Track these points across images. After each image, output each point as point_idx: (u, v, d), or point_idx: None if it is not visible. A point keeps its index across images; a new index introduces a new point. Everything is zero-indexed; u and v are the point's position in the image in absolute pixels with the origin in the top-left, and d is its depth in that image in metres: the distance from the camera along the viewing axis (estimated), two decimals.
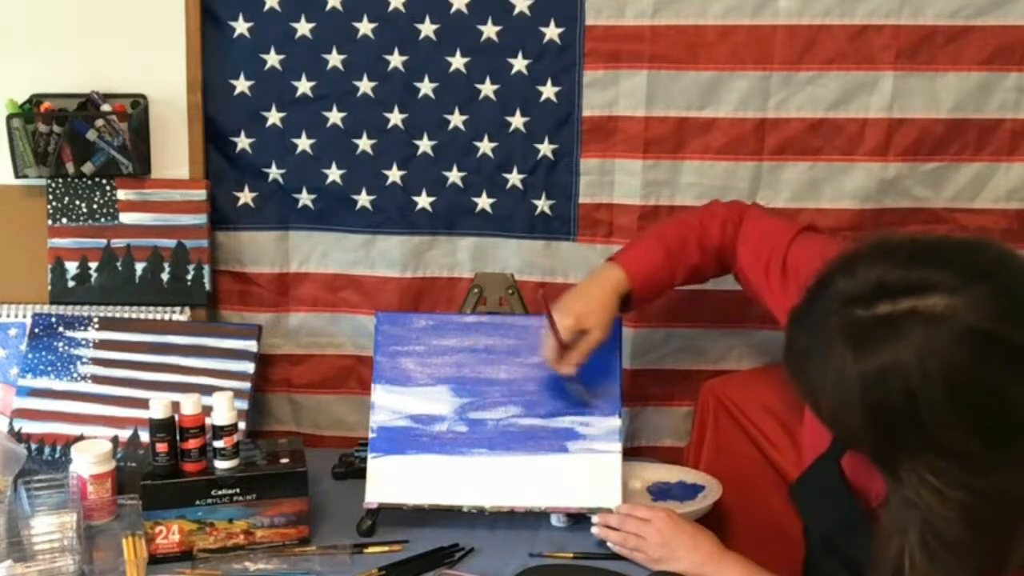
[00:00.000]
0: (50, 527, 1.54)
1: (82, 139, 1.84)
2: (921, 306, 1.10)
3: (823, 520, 1.47)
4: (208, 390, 1.69)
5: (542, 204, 1.89)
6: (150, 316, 1.91)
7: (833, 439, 1.44)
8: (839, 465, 1.42)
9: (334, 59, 1.86)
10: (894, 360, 1.10)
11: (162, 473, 1.58)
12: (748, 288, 1.65)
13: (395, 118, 1.88)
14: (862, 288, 1.14)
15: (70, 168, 1.86)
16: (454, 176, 1.90)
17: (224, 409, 1.59)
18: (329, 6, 1.84)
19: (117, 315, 1.90)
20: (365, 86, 1.87)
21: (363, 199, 1.92)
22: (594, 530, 1.62)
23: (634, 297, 1.64)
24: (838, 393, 1.14)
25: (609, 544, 1.60)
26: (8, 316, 1.90)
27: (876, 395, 1.11)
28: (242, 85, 1.88)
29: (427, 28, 1.84)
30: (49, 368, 1.85)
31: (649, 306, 1.80)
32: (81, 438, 1.78)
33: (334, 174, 1.91)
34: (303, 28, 1.85)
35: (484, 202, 1.91)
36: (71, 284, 1.91)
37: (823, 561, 1.48)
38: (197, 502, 1.58)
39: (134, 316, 1.90)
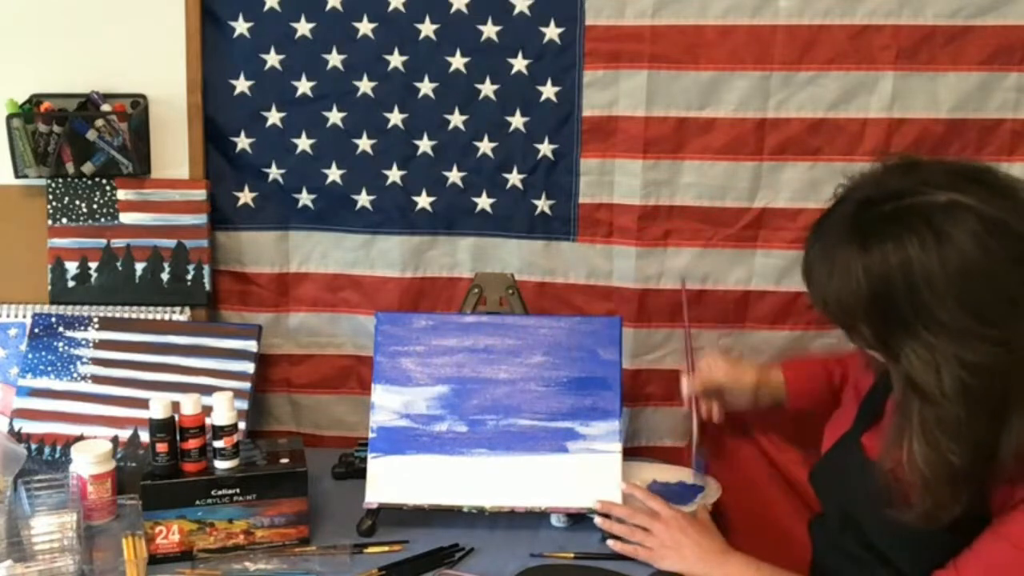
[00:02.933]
0: (50, 527, 1.54)
1: (82, 139, 1.84)
2: (923, 200, 1.23)
3: (844, 495, 1.49)
4: (208, 390, 1.69)
5: (542, 204, 1.89)
6: (150, 316, 1.91)
7: (856, 420, 1.50)
8: (860, 443, 1.47)
9: (334, 59, 1.86)
10: (896, 245, 1.22)
11: (162, 473, 1.58)
12: None
13: (395, 118, 1.88)
14: (870, 194, 1.28)
15: (70, 168, 1.86)
16: (454, 176, 1.90)
17: (224, 409, 1.59)
18: (329, 6, 1.84)
19: (117, 315, 1.90)
20: (365, 86, 1.87)
21: (363, 199, 1.92)
22: (597, 520, 1.62)
23: (790, 393, 1.75)
24: (844, 283, 1.26)
25: (609, 543, 1.59)
26: (8, 316, 1.90)
27: (878, 278, 1.23)
28: (242, 85, 1.88)
29: (427, 28, 1.84)
30: (49, 368, 1.85)
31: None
32: (81, 438, 1.78)
33: (334, 174, 1.91)
34: (303, 28, 1.85)
35: (484, 202, 1.91)
36: (71, 284, 1.91)
37: (839, 539, 1.49)
38: (197, 502, 1.58)
39: (134, 316, 1.90)
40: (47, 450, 1.81)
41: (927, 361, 1.22)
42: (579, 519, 1.68)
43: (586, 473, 1.67)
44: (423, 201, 1.91)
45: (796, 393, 1.74)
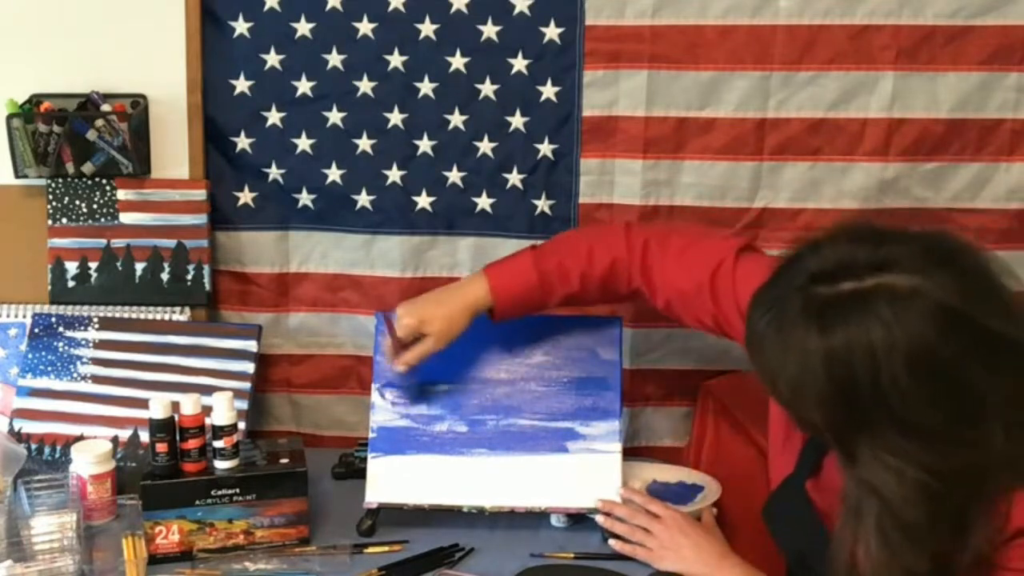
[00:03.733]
0: (50, 527, 1.54)
1: (82, 139, 1.84)
2: (885, 283, 1.12)
3: (794, 542, 1.47)
4: (208, 390, 1.69)
5: (542, 204, 1.89)
6: (150, 316, 1.91)
7: (799, 462, 1.44)
8: (805, 489, 1.42)
9: (334, 59, 1.86)
10: (860, 335, 1.11)
11: (162, 473, 1.58)
12: (688, 317, 1.62)
13: (395, 118, 1.88)
14: (825, 266, 1.15)
15: (70, 168, 1.86)
16: (454, 176, 1.90)
17: (224, 409, 1.59)
18: (329, 6, 1.84)
19: (117, 315, 1.90)
20: (365, 86, 1.87)
21: (363, 199, 1.92)
22: (599, 519, 1.63)
23: (496, 315, 1.65)
24: (801, 369, 1.14)
25: (611, 542, 1.60)
26: (8, 316, 1.90)
27: (840, 370, 1.12)
28: (242, 85, 1.88)
29: (427, 28, 1.84)
30: (49, 368, 1.85)
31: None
32: (81, 438, 1.78)
33: (334, 174, 1.91)
34: (303, 28, 1.85)
35: (484, 202, 1.91)
36: (71, 284, 1.91)
37: (799, 572, 1.48)
38: (197, 502, 1.58)
39: (134, 316, 1.90)
40: (47, 450, 1.81)
41: (889, 465, 1.12)
42: (579, 519, 1.68)
43: (586, 473, 1.67)
44: (423, 201, 1.91)
45: (504, 305, 1.63)
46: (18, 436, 1.80)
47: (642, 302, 1.68)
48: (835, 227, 1.21)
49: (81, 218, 1.90)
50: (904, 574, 1.16)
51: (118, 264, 1.91)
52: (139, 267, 1.91)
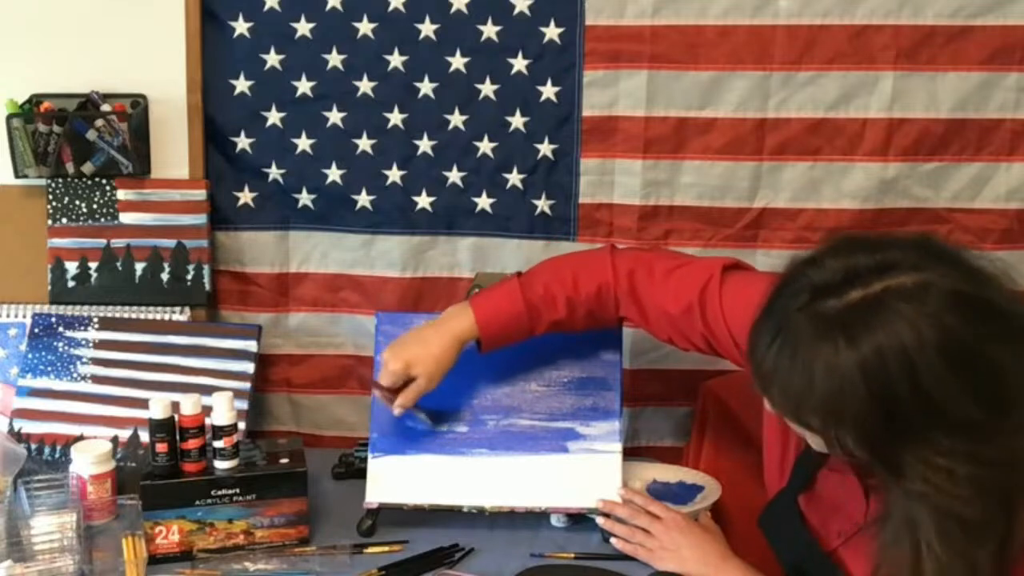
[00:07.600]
0: (50, 527, 1.54)
1: (82, 139, 1.84)
2: (893, 284, 1.12)
3: (789, 554, 1.47)
4: (208, 390, 1.69)
5: (542, 204, 1.90)
6: (150, 316, 1.91)
7: (792, 476, 1.44)
8: (797, 503, 1.42)
9: (334, 59, 1.86)
10: (888, 338, 1.10)
11: (162, 473, 1.58)
12: (679, 339, 1.60)
13: (395, 118, 1.88)
14: (830, 278, 1.15)
15: (70, 168, 1.86)
16: (454, 176, 1.90)
17: (224, 409, 1.59)
18: (329, 6, 1.84)
19: (117, 315, 1.90)
20: (365, 86, 1.87)
21: (363, 199, 1.92)
22: (599, 520, 1.63)
23: (484, 345, 1.64)
24: (834, 387, 1.12)
25: (613, 541, 1.60)
26: (8, 316, 1.90)
27: (878, 377, 1.10)
28: (242, 85, 1.88)
29: (427, 28, 1.84)
30: (49, 368, 1.85)
31: None
32: (81, 438, 1.78)
33: (334, 174, 1.91)
34: (303, 28, 1.85)
35: (484, 202, 1.91)
36: (71, 284, 1.91)
37: None
38: (197, 502, 1.58)
39: (134, 316, 1.90)
40: (47, 450, 1.81)
41: (938, 467, 1.11)
42: (579, 519, 1.67)
43: (586, 473, 1.66)
44: (423, 201, 1.91)
45: (491, 336, 1.63)
46: (18, 436, 1.80)
47: (631, 326, 1.68)
48: (827, 242, 1.21)
49: (81, 218, 1.90)
50: (977, 572, 1.14)
51: (118, 264, 1.91)
52: (139, 267, 1.91)
